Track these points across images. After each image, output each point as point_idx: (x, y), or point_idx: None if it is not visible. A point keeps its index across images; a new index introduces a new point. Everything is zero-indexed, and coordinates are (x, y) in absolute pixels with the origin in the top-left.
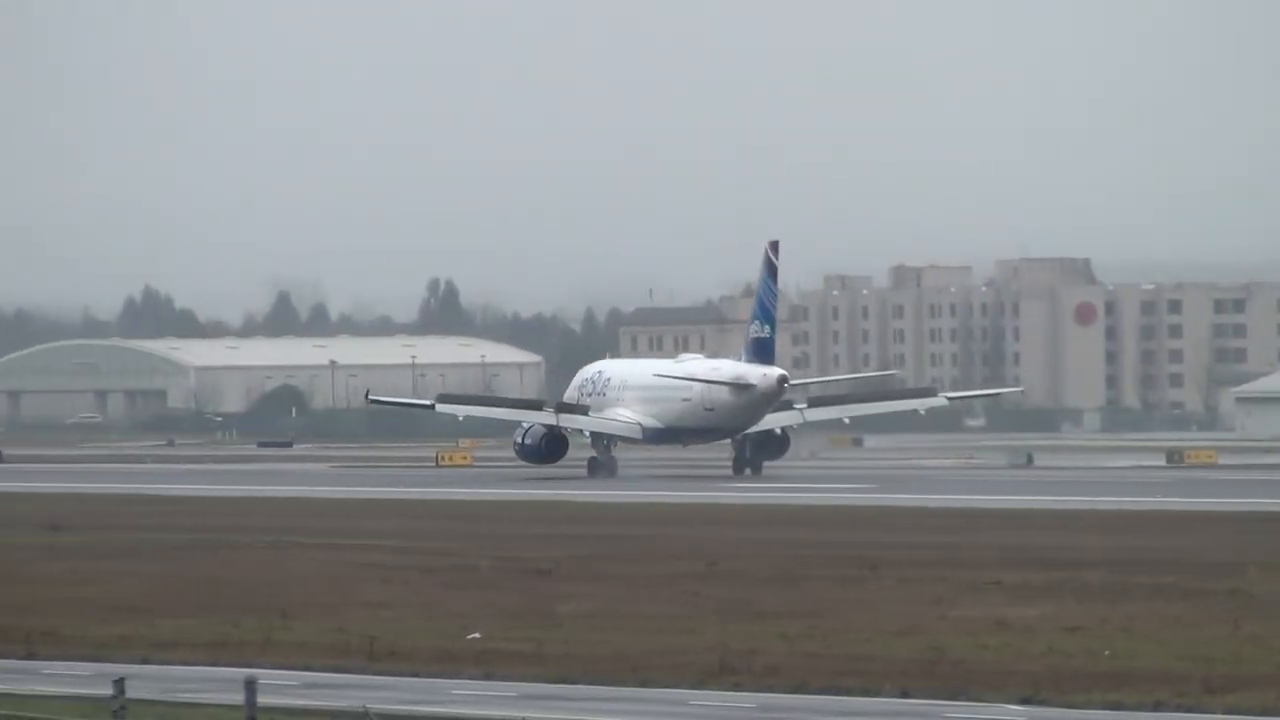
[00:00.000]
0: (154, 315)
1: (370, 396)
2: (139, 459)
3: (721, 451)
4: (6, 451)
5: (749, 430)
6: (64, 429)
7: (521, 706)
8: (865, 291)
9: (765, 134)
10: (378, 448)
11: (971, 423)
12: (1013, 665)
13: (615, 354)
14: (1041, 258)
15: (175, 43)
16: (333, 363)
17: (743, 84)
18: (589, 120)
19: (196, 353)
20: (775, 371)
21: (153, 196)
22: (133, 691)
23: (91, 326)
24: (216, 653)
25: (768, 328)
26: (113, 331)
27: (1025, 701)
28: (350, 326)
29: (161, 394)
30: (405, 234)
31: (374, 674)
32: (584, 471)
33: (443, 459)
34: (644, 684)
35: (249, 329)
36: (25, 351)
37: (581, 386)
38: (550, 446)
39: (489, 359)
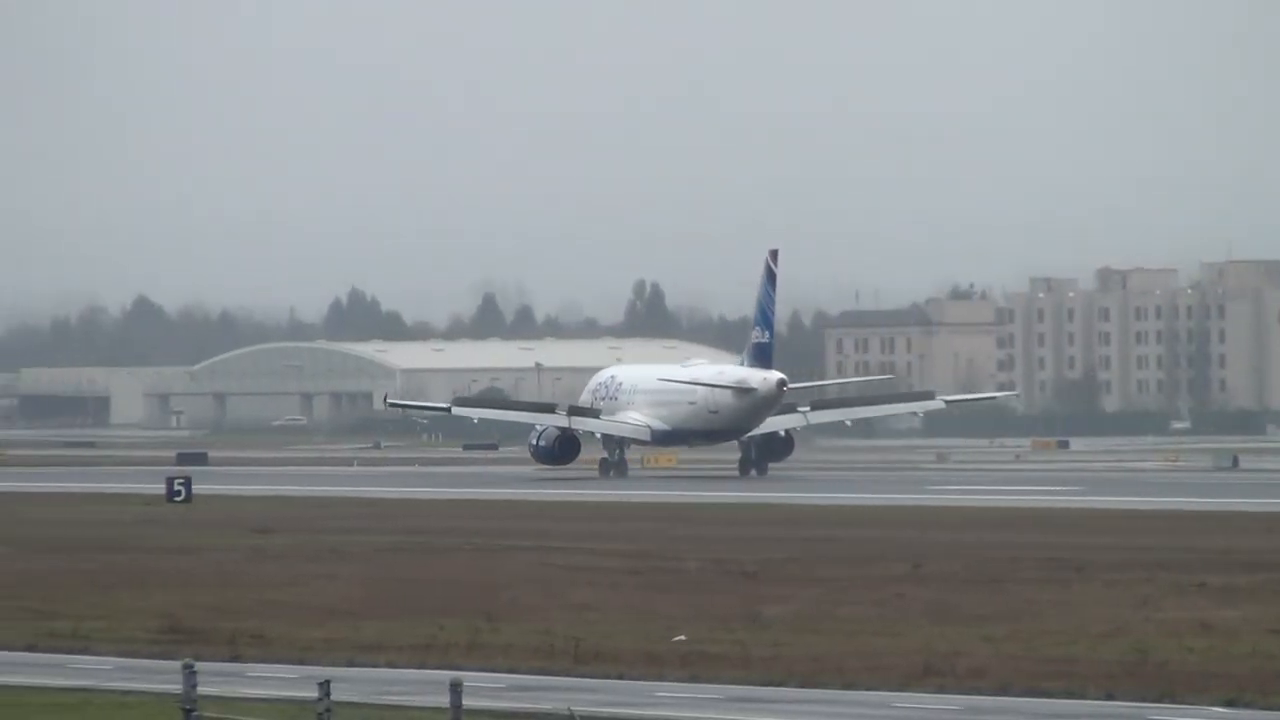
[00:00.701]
0: (360, 317)
1: (389, 400)
2: (345, 461)
3: (729, 453)
4: (213, 454)
5: (754, 432)
6: (270, 431)
7: (726, 709)
8: (1071, 294)
9: (969, 132)
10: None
11: (1177, 425)
12: (1217, 668)
13: (821, 357)
14: (1247, 260)
15: (350, 45)
16: (538, 365)
17: (944, 82)
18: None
19: (402, 355)
20: (775, 375)
21: (358, 200)
22: (338, 694)
23: (297, 329)
24: (422, 655)
25: (767, 333)
26: (319, 334)
27: (1229, 704)
28: (555, 329)
29: (367, 396)
30: (611, 236)
31: (579, 676)
32: (605, 474)
33: (646, 462)
34: (848, 686)
35: (454, 331)
36: (231, 354)
37: (595, 391)
38: (563, 448)
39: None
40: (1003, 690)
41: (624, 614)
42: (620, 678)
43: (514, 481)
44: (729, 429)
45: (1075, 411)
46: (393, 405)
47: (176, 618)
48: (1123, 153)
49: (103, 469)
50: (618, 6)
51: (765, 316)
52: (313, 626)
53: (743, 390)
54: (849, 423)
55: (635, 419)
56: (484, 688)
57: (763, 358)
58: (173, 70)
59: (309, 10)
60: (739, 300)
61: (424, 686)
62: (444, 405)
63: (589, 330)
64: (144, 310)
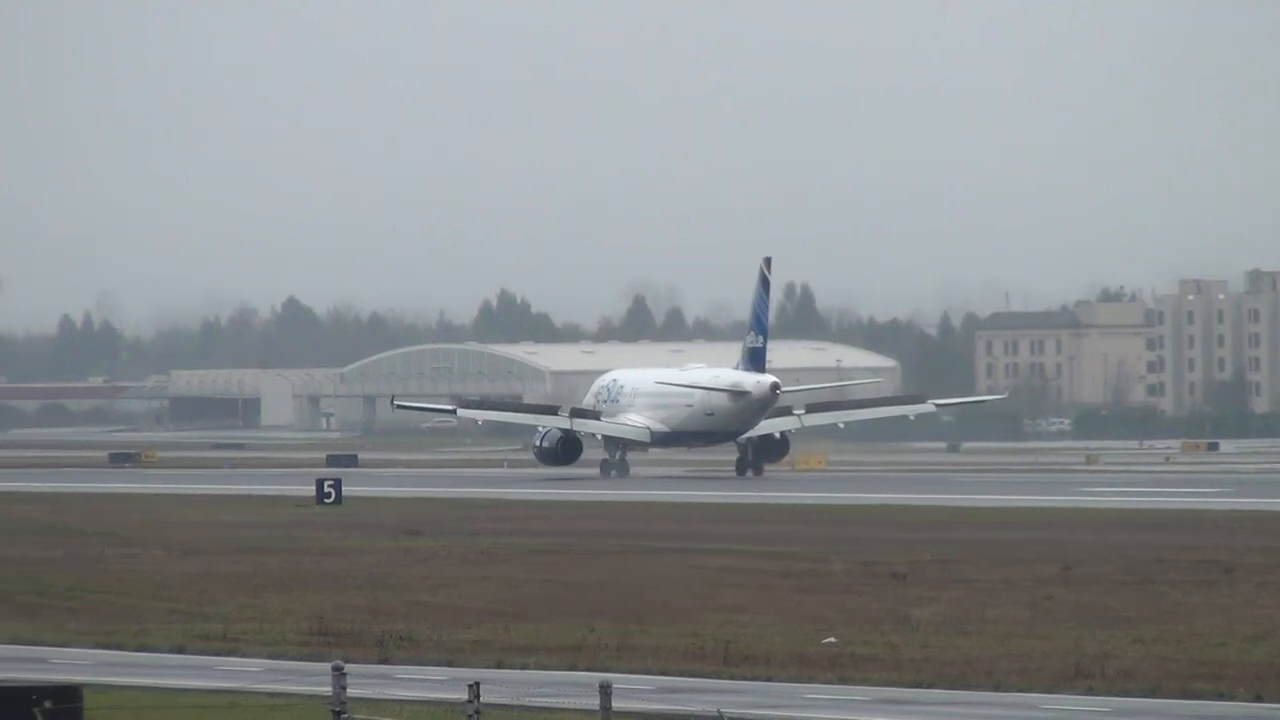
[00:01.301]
0: (509, 319)
1: (395, 402)
2: (495, 463)
3: (726, 454)
4: (363, 455)
5: (750, 434)
6: (420, 433)
7: (875, 711)
8: (1220, 296)
9: (1119, 132)
10: (731, 451)
11: None
12: None
13: (971, 359)
14: None
15: (492, 50)
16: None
17: (1093, 84)
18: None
19: (552, 357)
20: (768, 379)
21: (507, 202)
22: (487, 696)
23: (447, 331)
24: (572, 657)
25: (761, 338)
26: (469, 336)
27: None
28: (705, 331)
29: (517, 398)
30: (761, 238)
31: (728, 678)
32: (606, 474)
33: (798, 463)
34: (997, 688)
35: (604, 333)
36: (381, 356)
37: (597, 394)
38: (566, 449)
39: (844, 363)
40: (1152, 692)
41: (773, 616)
42: (769, 680)
43: (654, 483)
44: (725, 430)
45: (1225, 413)
46: (399, 407)
47: (326, 620)
48: (1273, 154)
49: (253, 471)
50: None
51: (759, 322)
52: (462, 628)
53: (738, 393)
54: (841, 425)
55: (635, 421)
56: (633, 690)
57: (757, 361)
58: (313, 78)
59: (442, 16)
60: (888, 301)
61: (573, 688)
62: (449, 407)
63: (738, 332)
64: (294, 312)
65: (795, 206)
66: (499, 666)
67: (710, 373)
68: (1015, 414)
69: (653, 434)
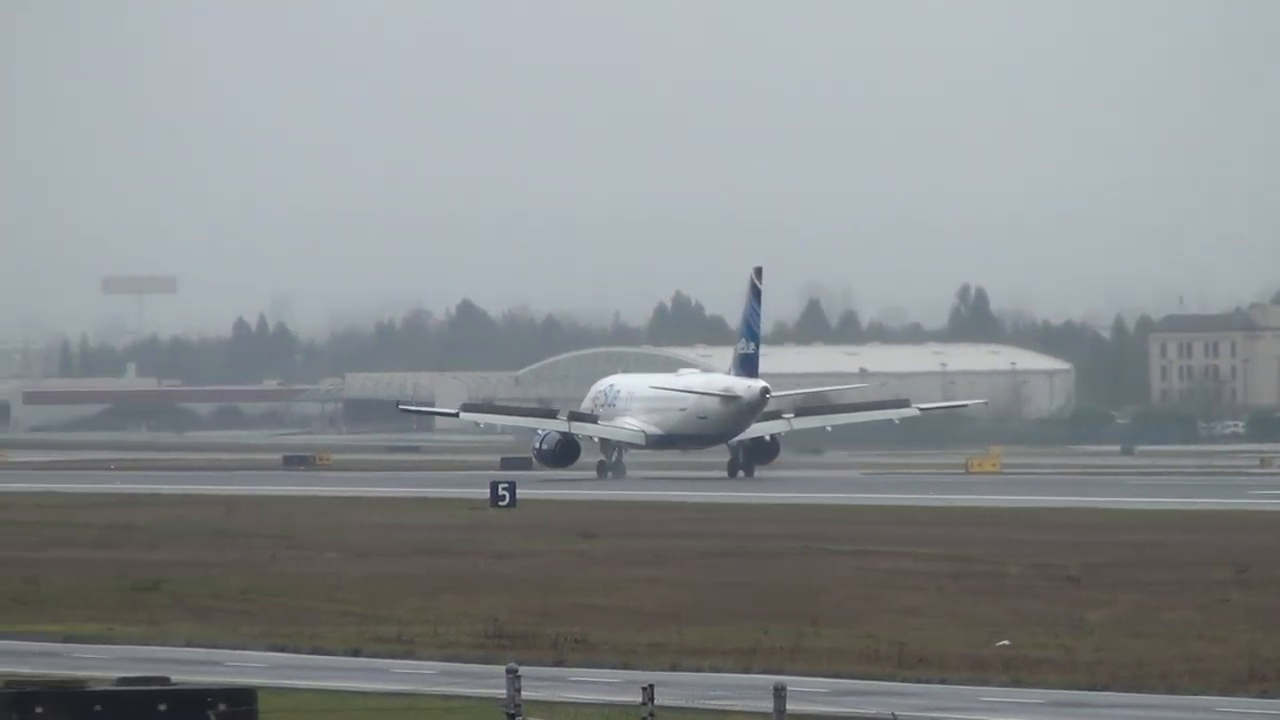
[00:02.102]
0: (684, 321)
1: (401, 405)
2: (670, 464)
3: (719, 455)
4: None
5: (742, 437)
6: None
7: (1049, 713)
8: None
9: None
10: (908, 454)
11: None
12: None
13: (1145, 362)
14: None
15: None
16: (862, 370)
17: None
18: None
19: (726, 360)
20: (758, 384)
21: (680, 204)
22: (661, 698)
23: (622, 333)
24: (746, 659)
25: (752, 345)
26: (643, 338)
27: None
28: (880, 333)
29: None
30: (936, 240)
31: (902, 681)
32: (603, 475)
33: (971, 465)
34: (1171, 691)
35: (778, 336)
36: (556, 358)
37: (595, 398)
38: (564, 451)
39: (1018, 366)
40: None
41: (947, 618)
42: (943, 682)
43: (839, 485)
44: (717, 434)
45: None
46: (405, 410)
47: (500, 622)
48: None
49: (427, 474)
50: None
51: (750, 330)
52: (636, 631)
53: (729, 397)
54: (829, 428)
55: (631, 424)
56: (807, 692)
57: (748, 367)
58: (475, 77)
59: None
60: (1063, 304)
61: (747, 691)
62: (453, 410)
63: (913, 335)
64: (469, 315)
65: (971, 209)
66: (673, 669)
67: (703, 378)
68: (1189, 416)
69: (648, 437)
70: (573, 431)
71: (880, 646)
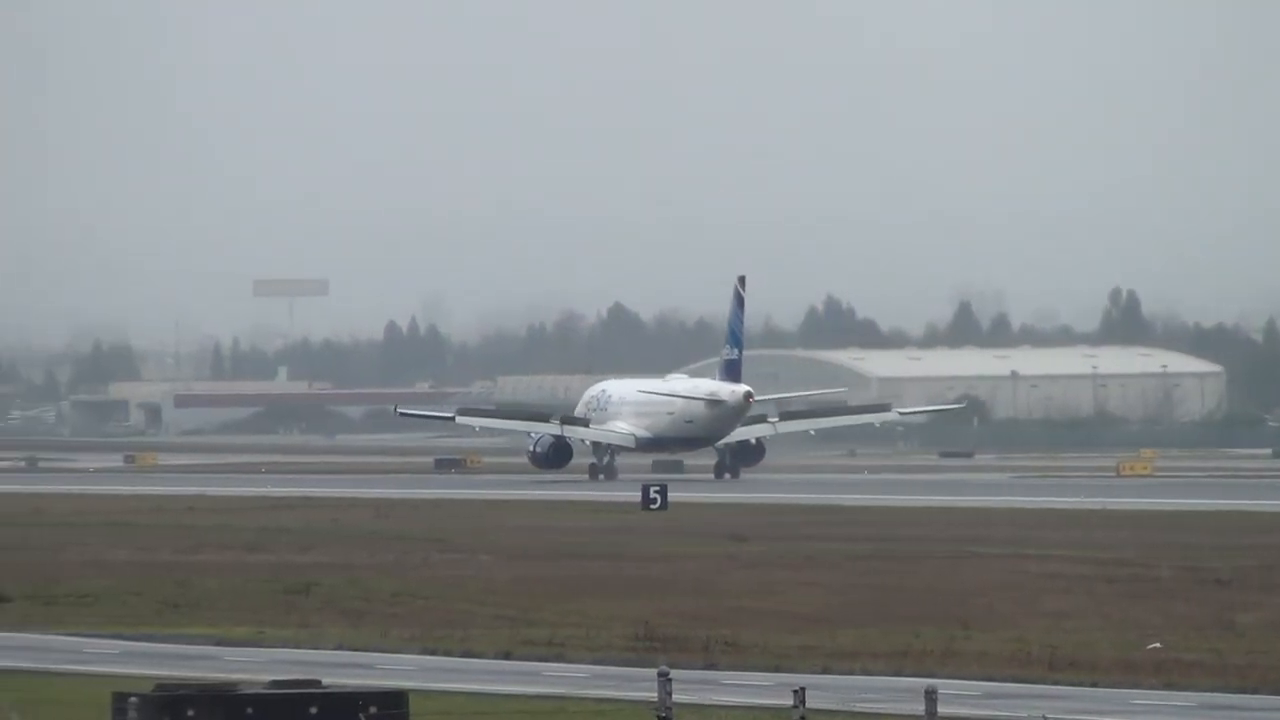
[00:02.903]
0: (835, 325)
1: (399, 410)
2: (819, 469)
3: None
4: (688, 462)
5: (728, 440)
6: None
7: (1200, 716)
8: None
9: None
10: (1058, 458)
11: None
12: None
13: None
14: None
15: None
16: (1014, 373)
17: None
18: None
19: (878, 363)
20: (742, 388)
21: (831, 206)
22: (813, 701)
23: (773, 336)
24: (897, 662)
25: (736, 350)
26: (794, 341)
27: None
28: (1031, 337)
29: (843, 404)
30: (1086, 242)
31: (1053, 684)
32: (594, 477)
33: (1122, 469)
34: None
35: (930, 339)
36: (707, 361)
37: (587, 403)
38: (557, 454)
39: (1169, 369)
40: None
41: (1098, 621)
42: (1094, 685)
43: (992, 489)
44: (703, 437)
45: None
46: (402, 415)
47: (652, 625)
48: None
49: (578, 476)
50: None
51: (735, 336)
52: (787, 634)
53: (714, 402)
54: (812, 432)
55: (621, 428)
56: (958, 695)
57: (732, 372)
58: (630, 80)
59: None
60: (1214, 307)
61: (898, 694)
62: (449, 414)
63: (1064, 338)
64: (620, 318)
65: (1124, 211)
66: (824, 671)
67: (689, 383)
68: None
69: (637, 440)
70: (565, 435)
71: (1031, 649)
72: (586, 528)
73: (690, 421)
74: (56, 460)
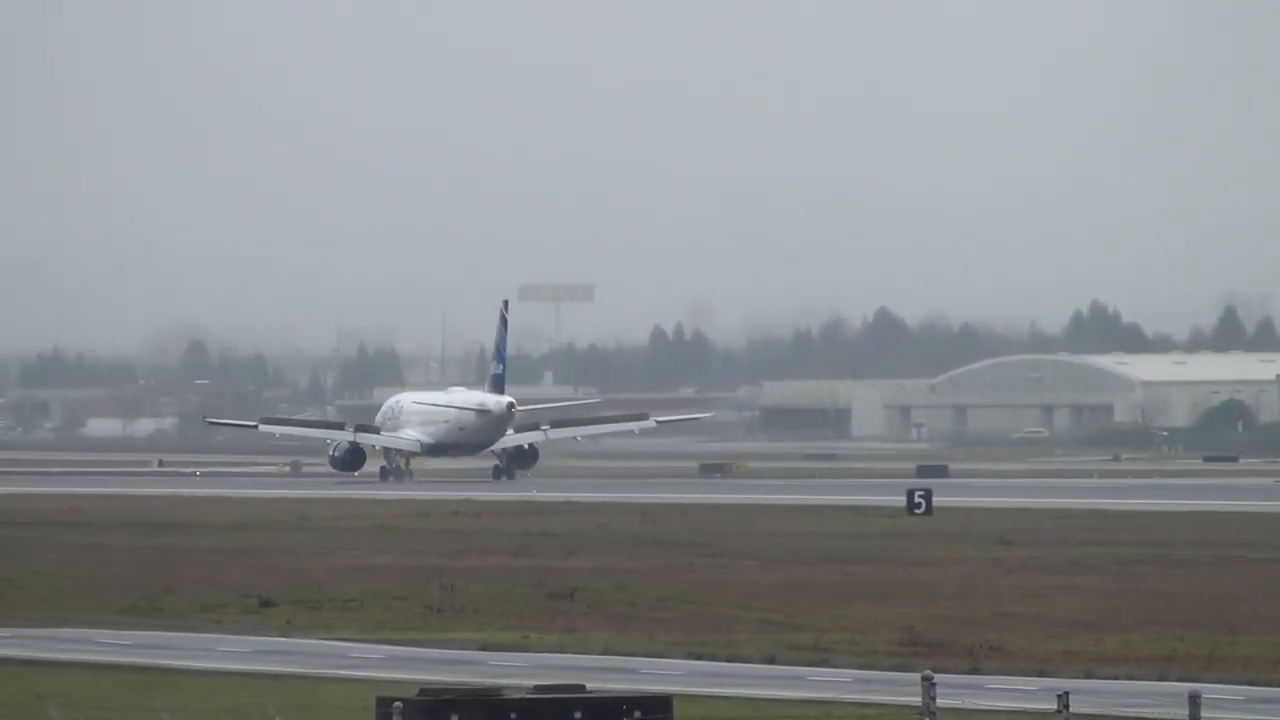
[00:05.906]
0: (1100, 329)
1: (207, 419)
2: (1084, 474)
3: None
4: (953, 466)
5: (505, 445)
6: (1010, 444)
7: None
8: None
9: None
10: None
11: None
12: None
13: None
14: None
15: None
16: (1278, 378)
17: None
18: None
19: (1143, 368)
20: (505, 400)
21: (1095, 205)
22: (1076, 706)
23: (1038, 341)
24: (1162, 667)
25: (501, 366)
26: (1059, 346)
27: None
28: None
29: (1107, 409)
30: None
31: None
32: (385, 479)
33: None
34: None
35: (1195, 343)
36: (972, 366)
37: (384, 413)
38: (352, 458)
39: None
40: None
41: None
42: None
43: (1257, 493)
44: (476, 442)
45: None
46: (210, 423)
47: (916, 630)
48: None
49: (843, 481)
50: None
51: (500, 353)
52: (1052, 638)
53: (481, 411)
54: (579, 438)
55: (409, 435)
56: (1222, 699)
57: (498, 385)
58: (886, 79)
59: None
60: None
61: (1162, 699)
62: (253, 423)
63: None
64: (885, 323)
65: None
66: (1088, 677)
67: (464, 395)
68: None
69: (423, 445)
70: (358, 441)
71: None
72: (851, 533)
73: (463, 429)
74: (318, 465)
